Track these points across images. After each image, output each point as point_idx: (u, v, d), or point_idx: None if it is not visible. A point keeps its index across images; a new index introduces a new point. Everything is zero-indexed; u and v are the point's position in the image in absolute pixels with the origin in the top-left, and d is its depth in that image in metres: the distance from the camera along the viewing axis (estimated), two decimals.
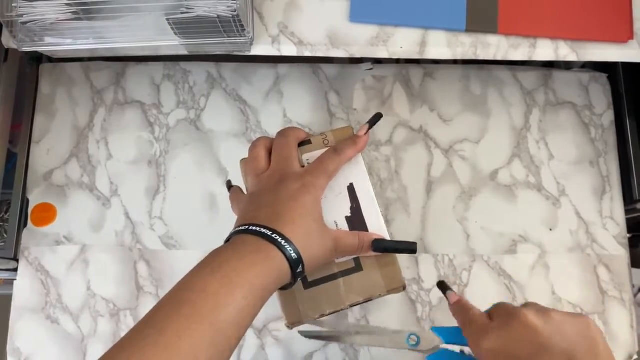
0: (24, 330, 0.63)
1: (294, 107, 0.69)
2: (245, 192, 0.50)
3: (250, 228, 0.43)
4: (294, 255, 0.42)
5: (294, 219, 0.44)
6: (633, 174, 0.66)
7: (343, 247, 0.47)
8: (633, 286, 0.64)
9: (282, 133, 0.50)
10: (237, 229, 0.44)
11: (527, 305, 0.46)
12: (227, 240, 0.44)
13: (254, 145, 0.50)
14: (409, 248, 0.48)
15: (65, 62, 0.71)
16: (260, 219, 0.44)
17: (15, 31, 0.53)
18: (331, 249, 0.46)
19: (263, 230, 0.42)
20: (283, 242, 0.42)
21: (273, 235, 0.42)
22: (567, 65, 0.71)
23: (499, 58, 0.58)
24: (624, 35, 0.57)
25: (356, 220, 0.50)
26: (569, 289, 0.63)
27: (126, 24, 0.53)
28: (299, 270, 0.43)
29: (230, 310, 0.38)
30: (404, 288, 0.49)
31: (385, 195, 0.66)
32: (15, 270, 0.65)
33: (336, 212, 0.50)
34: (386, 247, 0.48)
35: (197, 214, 0.66)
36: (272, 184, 0.46)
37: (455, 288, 0.63)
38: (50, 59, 0.71)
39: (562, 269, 0.64)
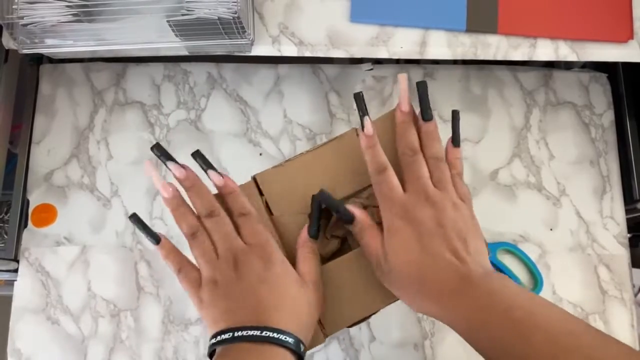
0: (25, 331, 0.63)
1: (294, 108, 0.69)
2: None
3: (237, 334, 0.39)
4: (290, 340, 0.39)
5: (276, 305, 0.41)
6: (633, 173, 0.66)
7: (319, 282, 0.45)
8: (633, 286, 0.64)
9: (210, 215, 0.46)
10: (221, 338, 0.40)
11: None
12: (211, 354, 0.41)
13: (192, 236, 0.45)
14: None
15: (65, 63, 0.70)
16: (242, 319, 0.40)
17: (15, 33, 0.53)
18: (316, 303, 0.43)
19: (252, 332, 0.39)
20: (277, 335, 0.39)
21: (264, 334, 0.39)
22: (567, 65, 0.71)
23: (499, 58, 0.58)
24: (624, 35, 0.57)
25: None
26: (569, 289, 0.63)
27: (127, 26, 0.52)
28: (302, 350, 0.41)
29: None
30: None
31: None
32: (16, 271, 0.65)
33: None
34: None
35: None
36: (230, 268, 0.43)
37: None
38: (51, 60, 0.71)
39: (562, 268, 0.64)
